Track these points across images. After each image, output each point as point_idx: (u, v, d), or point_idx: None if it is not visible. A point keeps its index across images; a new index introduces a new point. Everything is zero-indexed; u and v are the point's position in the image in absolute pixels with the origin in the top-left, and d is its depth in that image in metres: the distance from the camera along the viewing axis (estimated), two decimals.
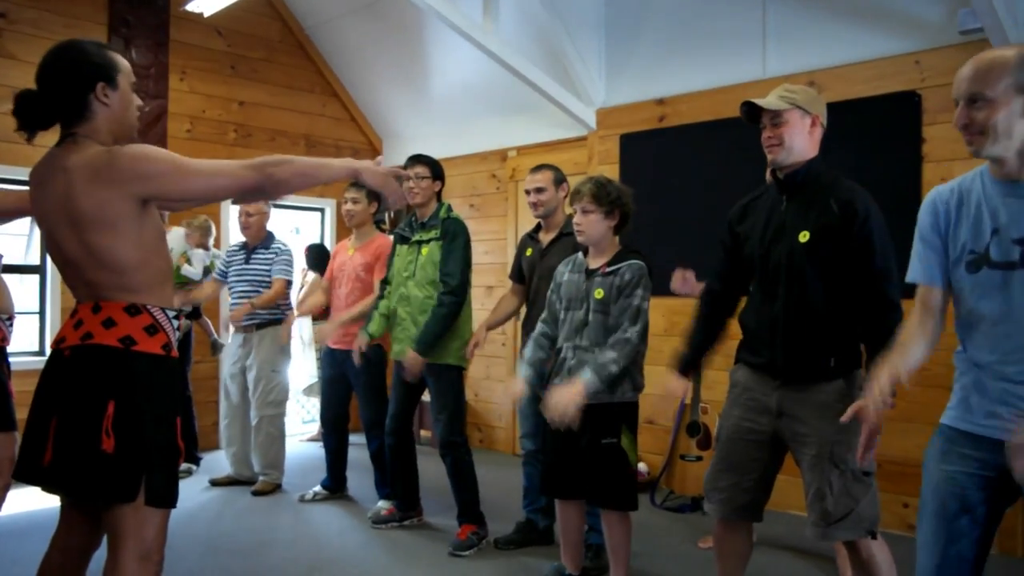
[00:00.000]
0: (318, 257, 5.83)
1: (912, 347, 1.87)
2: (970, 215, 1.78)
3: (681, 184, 4.70)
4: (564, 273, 3.00)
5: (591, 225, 2.88)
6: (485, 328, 3.72)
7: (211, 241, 5.19)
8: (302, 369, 6.26)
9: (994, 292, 1.74)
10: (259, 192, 2.00)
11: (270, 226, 4.82)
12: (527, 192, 3.59)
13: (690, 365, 2.61)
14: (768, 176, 2.93)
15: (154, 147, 1.90)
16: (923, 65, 3.90)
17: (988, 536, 1.80)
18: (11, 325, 3.20)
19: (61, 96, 1.90)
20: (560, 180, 3.55)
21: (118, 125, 1.95)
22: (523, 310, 3.71)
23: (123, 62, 1.97)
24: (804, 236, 2.28)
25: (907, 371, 1.85)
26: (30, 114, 1.91)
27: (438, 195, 3.85)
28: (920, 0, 3.88)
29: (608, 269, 2.85)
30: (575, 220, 2.94)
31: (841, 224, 2.25)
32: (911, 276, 1.90)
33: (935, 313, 1.87)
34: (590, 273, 2.90)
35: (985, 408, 1.77)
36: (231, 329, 4.79)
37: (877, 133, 3.98)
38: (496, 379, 5.94)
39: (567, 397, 2.68)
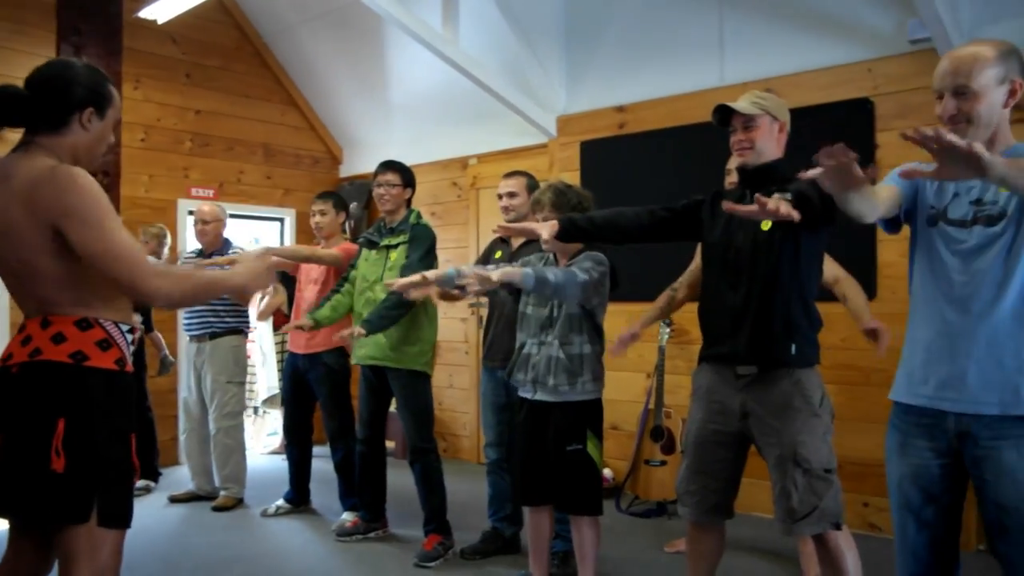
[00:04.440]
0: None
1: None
2: (935, 182, 1.94)
3: (642, 190, 4.69)
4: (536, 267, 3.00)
5: None
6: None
7: (166, 250, 5.07)
8: (263, 380, 6.16)
9: (953, 244, 1.88)
10: (142, 298, 1.83)
11: (227, 235, 4.74)
12: (499, 196, 3.60)
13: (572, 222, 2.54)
14: (728, 183, 2.98)
15: (96, 187, 1.79)
16: (875, 73, 3.98)
17: (955, 519, 1.93)
18: None
19: (48, 102, 1.86)
20: (533, 186, 3.56)
21: (85, 153, 1.92)
22: (484, 314, 3.68)
23: (117, 100, 1.98)
24: (766, 225, 2.34)
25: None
26: (6, 109, 1.85)
27: (408, 202, 3.85)
28: (872, 10, 3.97)
29: (569, 262, 2.89)
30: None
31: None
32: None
33: (883, 196, 1.93)
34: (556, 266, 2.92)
35: (938, 376, 1.86)
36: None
37: (831, 139, 3.98)
38: (459, 387, 5.90)
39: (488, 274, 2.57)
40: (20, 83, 1.92)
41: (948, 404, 1.85)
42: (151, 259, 4.78)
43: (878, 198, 1.89)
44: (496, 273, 2.55)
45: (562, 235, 2.54)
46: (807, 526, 2.29)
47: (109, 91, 1.95)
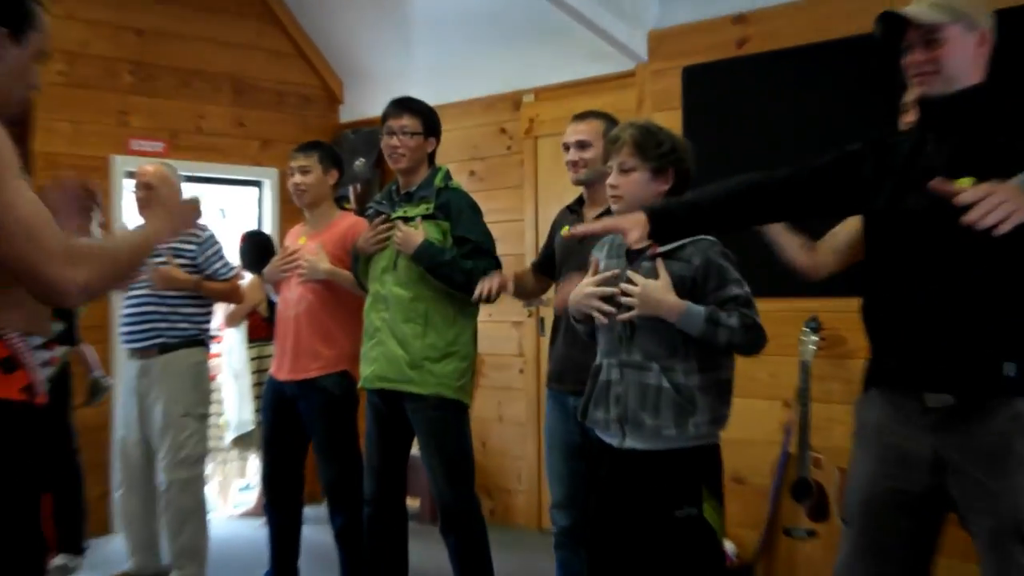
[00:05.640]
0: (258, 251, 5.78)
1: None
2: None
3: (769, 135, 4.67)
4: (599, 260, 2.97)
5: (632, 188, 2.85)
6: (512, 279, 3.73)
7: (95, 227, 5.10)
8: (233, 411, 6.22)
9: None
10: (47, 295, 1.80)
11: None
12: (565, 147, 3.59)
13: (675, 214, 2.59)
14: (904, 123, 2.89)
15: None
16: None
17: None
18: None
19: None
20: None
21: None
22: (548, 319, 3.67)
23: (46, 27, 2.02)
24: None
25: None
26: None
27: (431, 158, 3.87)
28: None
29: (661, 249, 2.81)
30: (609, 181, 2.92)
31: None
32: None
33: None
34: (632, 256, 2.86)
35: None
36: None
37: None
38: (512, 421, 5.88)
39: (653, 289, 2.69)
40: None
41: None
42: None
43: None
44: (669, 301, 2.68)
45: (657, 232, 2.54)
46: None
47: (32, 8, 1.98)
